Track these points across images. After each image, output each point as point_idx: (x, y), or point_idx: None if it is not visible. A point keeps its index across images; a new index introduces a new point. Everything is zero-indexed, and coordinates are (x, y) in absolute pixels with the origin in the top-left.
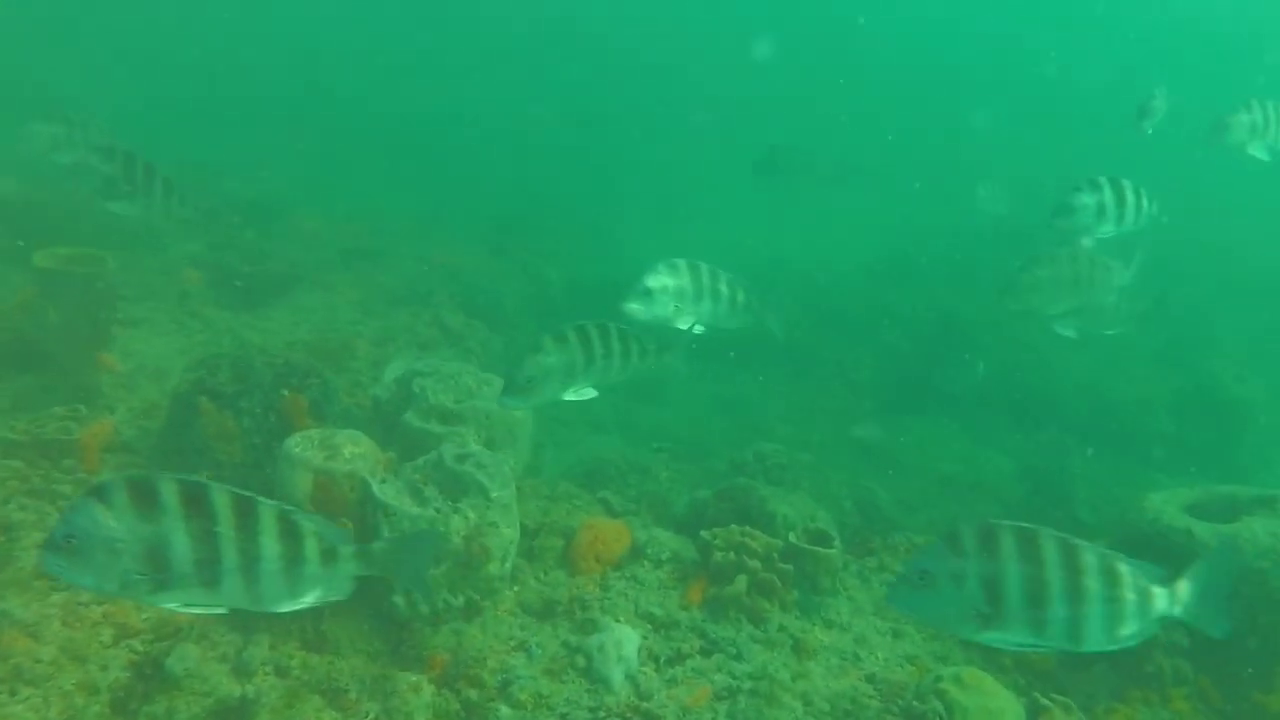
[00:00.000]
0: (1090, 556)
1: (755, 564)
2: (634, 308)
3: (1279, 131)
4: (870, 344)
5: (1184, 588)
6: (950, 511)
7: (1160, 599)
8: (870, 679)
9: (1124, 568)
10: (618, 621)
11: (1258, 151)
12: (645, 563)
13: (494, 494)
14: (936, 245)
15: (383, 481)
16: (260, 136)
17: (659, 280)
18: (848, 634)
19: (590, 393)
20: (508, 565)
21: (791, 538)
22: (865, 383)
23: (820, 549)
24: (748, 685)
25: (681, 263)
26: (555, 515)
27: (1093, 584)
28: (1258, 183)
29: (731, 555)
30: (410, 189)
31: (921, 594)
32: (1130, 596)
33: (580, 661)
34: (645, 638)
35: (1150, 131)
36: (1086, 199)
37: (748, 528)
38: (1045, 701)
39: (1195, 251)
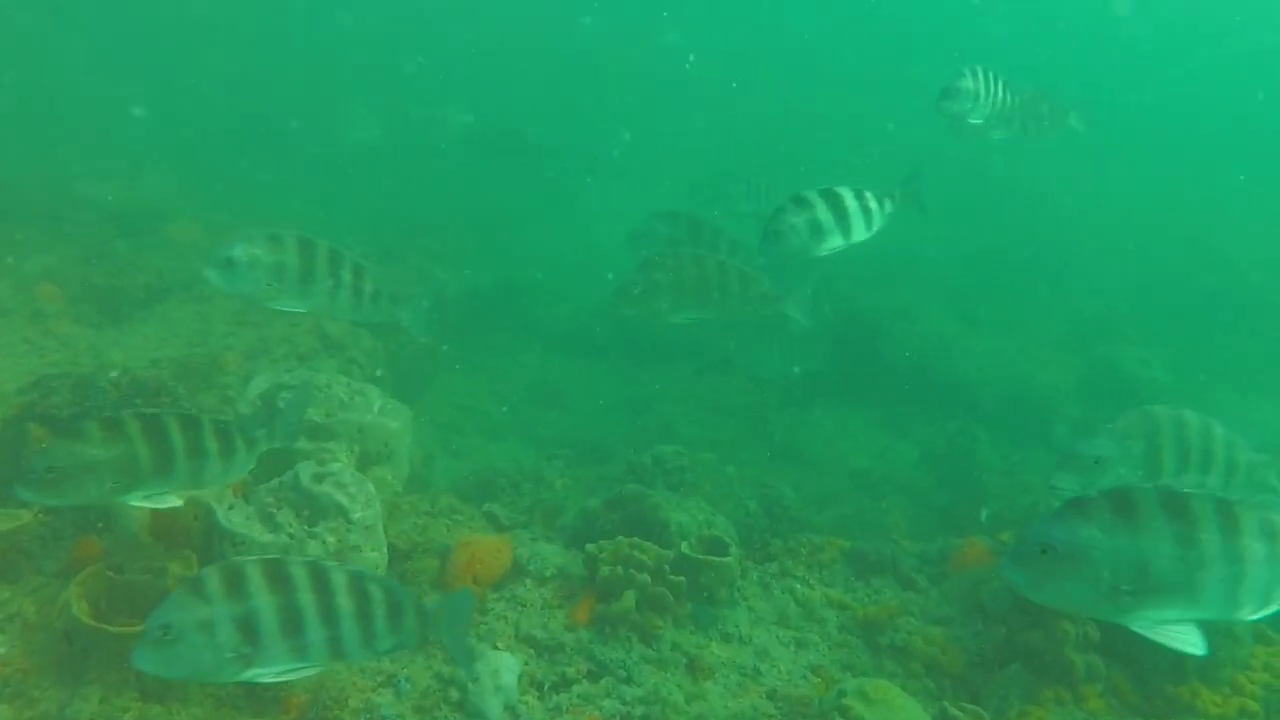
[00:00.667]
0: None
1: (644, 578)
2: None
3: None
4: (776, 337)
5: None
6: (860, 507)
7: None
8: (771, 695)
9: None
10: (495, 648)
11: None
12: (528, 581)
13: (355, 515)
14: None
15: (230, 507)
16: (144, 138)
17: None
18: (747, 647)
19: None
20: None
21: (684, 547)
22: (772, 378)
23: (715, 558)
24: (639, 711)
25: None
26: (433, 534)
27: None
28: (1153, 164)
29: (619, 569)
30: (305, 195)
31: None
32: None
33: (454, 695)
34: (527, 663)
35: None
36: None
37: (636, 539)
38: (955, 711)
39: (1096, 236)
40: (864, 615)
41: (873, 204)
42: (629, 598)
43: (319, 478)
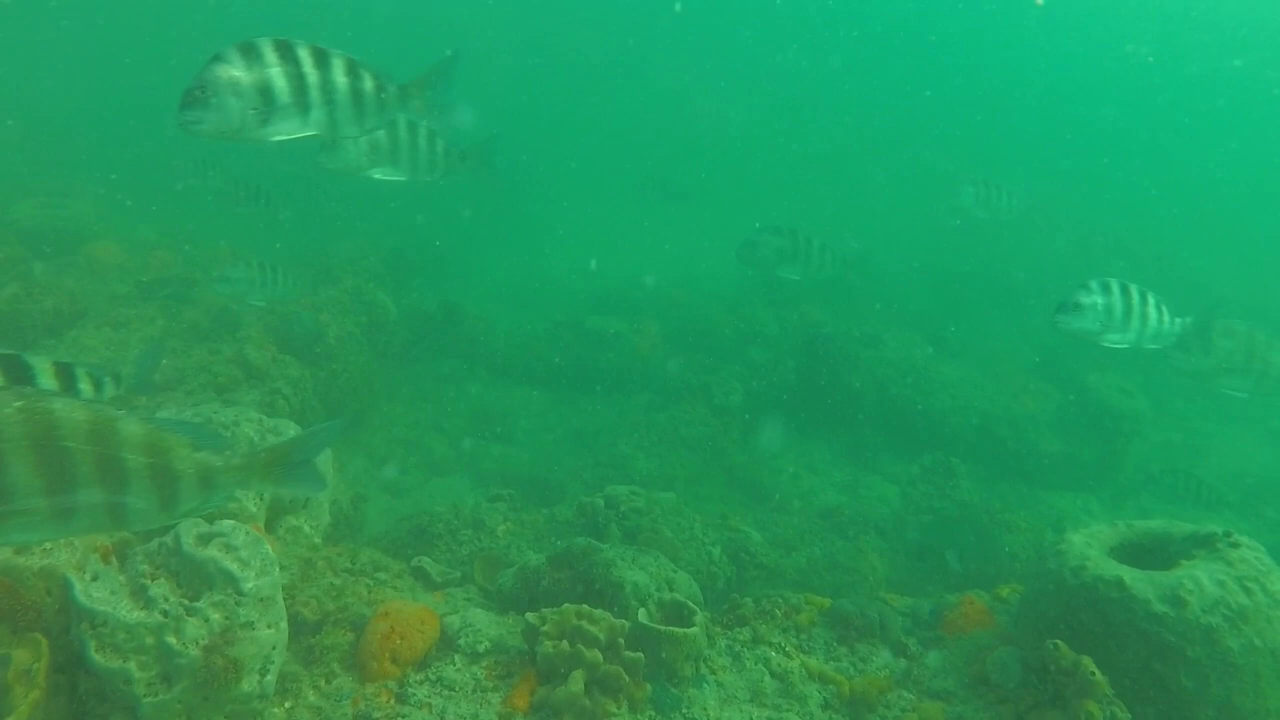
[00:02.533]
0: None
1: (595, 655)
2: None
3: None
4: (739, 365)
5: None
6: (831, 549)
7: None
8: None
9: None
10: None
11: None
12: (457, 658)
13: (248, 585)
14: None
15: (94, 578)
16: (70, 155)
17: None
18: None
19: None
20: (270, 678)
21: (641, 616)
22: (734, 408)
23: (677, 629)
24: None
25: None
26: (351, 598)
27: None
28: (1111, 187)
29: (565, 645)
30: (240, 214)
31: None
32: None
33: None
34: None
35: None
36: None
37: (584, 607)
38: None
39: (1063, 257)
40: (850, 690)
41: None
42: (576, 679)
43: (204, 539)
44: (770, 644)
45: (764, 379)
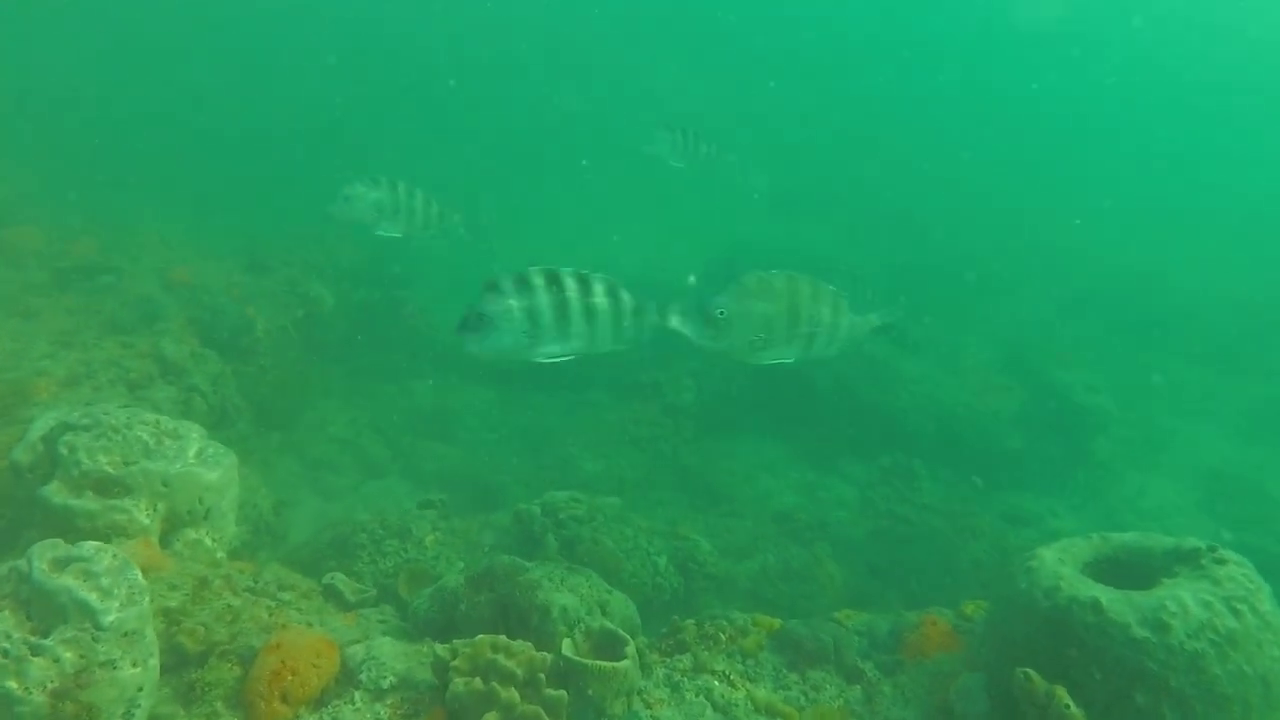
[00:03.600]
0: None
1: (511, 694)
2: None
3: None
4: (694, 361)
5: None
6: (785, 556)
7: None
8: None
9: None
10: None
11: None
12: (358, 696)
13: (109, 617)
14: (766, 245)
15: None
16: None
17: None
18: None
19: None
20: None
21: (566, 648)
22: (687, 406)
23: (606, 664)
24: None
25: None
26: (247, 624)
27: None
28: (1086, 185)
29: (478, 682)
30: (178, 198)
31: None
32: None
33: None
34: None
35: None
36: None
37: (501, 638)
38: None
39: (1030, 258)
40: None
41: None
42: None
43: (60, 563)
44: (713, 672)
45: (720, 375)
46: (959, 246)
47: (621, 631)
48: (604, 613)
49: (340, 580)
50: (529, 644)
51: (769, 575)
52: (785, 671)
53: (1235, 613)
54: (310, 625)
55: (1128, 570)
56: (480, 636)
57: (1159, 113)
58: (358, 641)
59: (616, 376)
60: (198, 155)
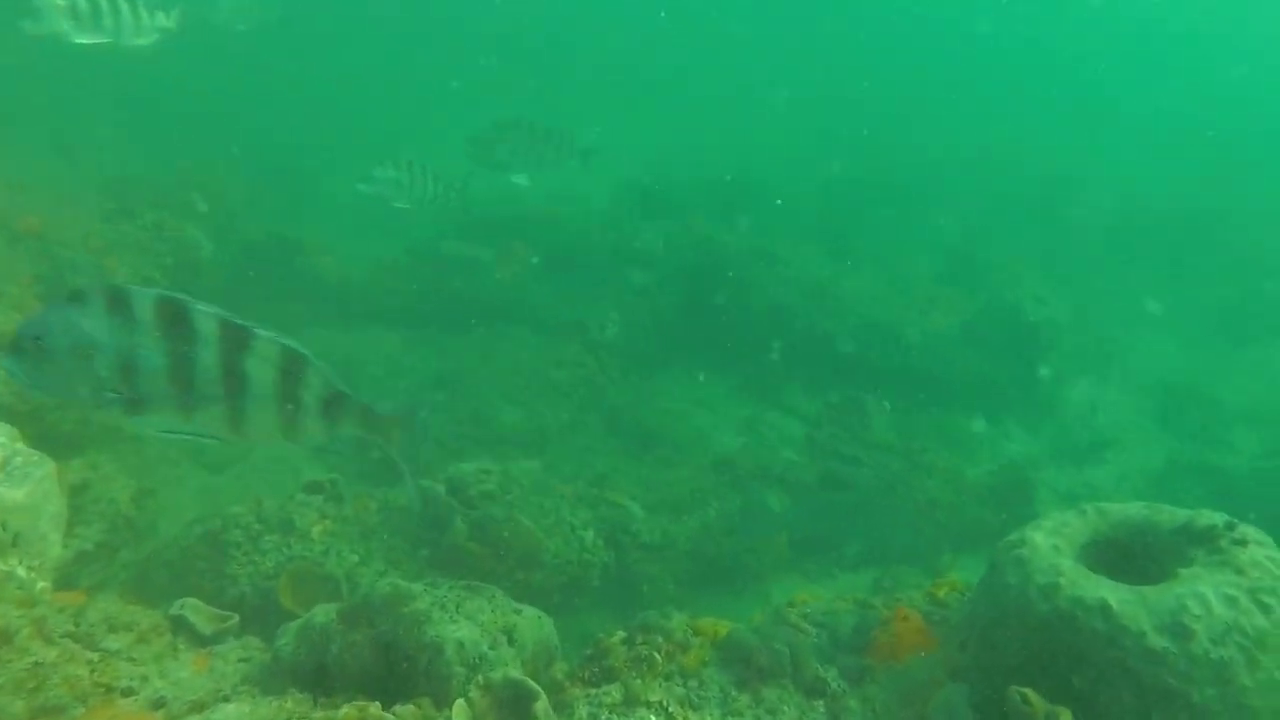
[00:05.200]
0: None
1: None
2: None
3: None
4: (619, 291)
5: None
6: (728, 510)
7: None
8: None
9: None
10: None
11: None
12: None
13: None
14: (696, 167)
15: None
16: None
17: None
18: None
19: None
20: None
21: (458, 713)
22: (612, 342)
23: None
24: None
25: None
26: (53, 690)
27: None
28: (1019, 95)
29: None
30: (35, 132)
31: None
32: None
33: None
34: None
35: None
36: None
37: (372, 707)
38: None
39: (957, 165)
40: None
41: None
42: None
43: None
44: (649, 704)
45: (647, 305)
46: (894, 160)
47: (528, 683)
48: (511, 641)
49: (192, 609)
50: (414, 708)
51: (711, 532)
52: (735, 692)
53: (1264, 608)
54: (145, 681)
55: (1132, 553)
56: (345, 709)
57: (1094, 20)
58: (196, 712)
59: (534, 313)
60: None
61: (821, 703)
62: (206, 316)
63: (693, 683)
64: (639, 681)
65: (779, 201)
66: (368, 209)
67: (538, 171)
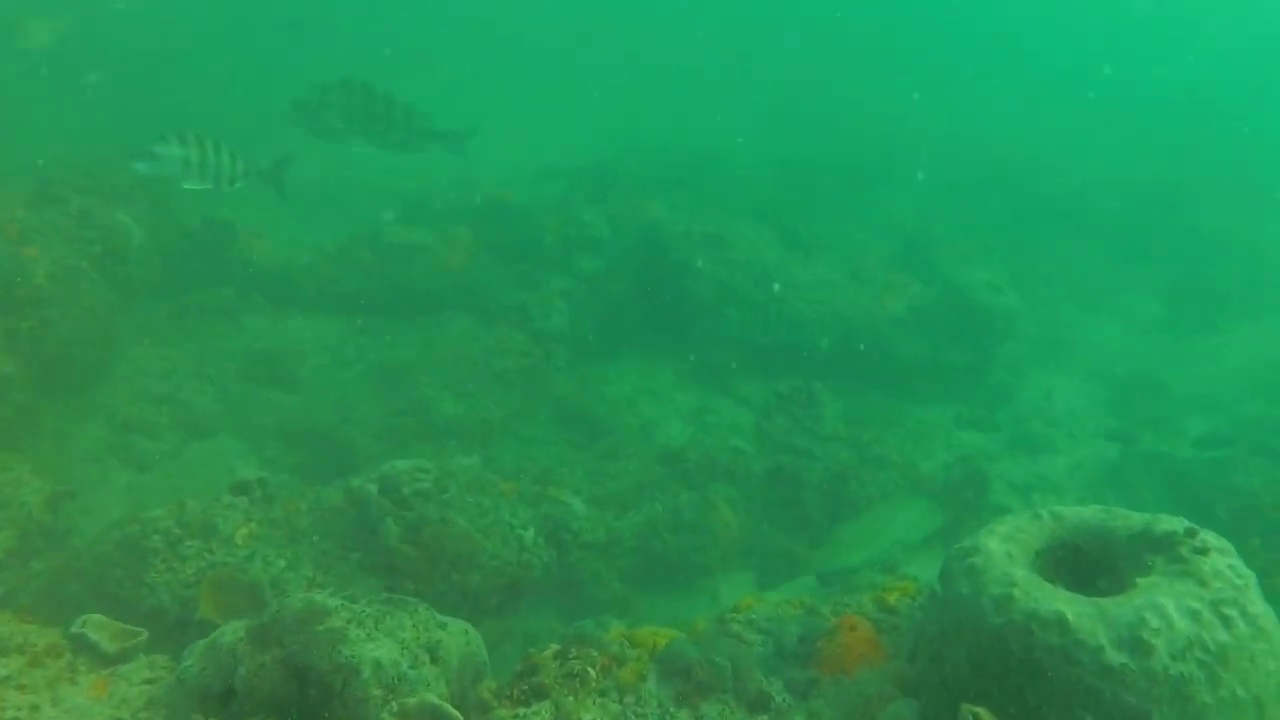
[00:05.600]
0: None
1: None
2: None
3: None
4: (565, 277)
5: None
6: (675, 506)
7: None
8: None
9: None
10: None
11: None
12: None
13: None
14: (647, 150)
15: None
16: None
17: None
18: None
19: None
20: None
21: None
22: (557, 331)
23: None
24: None
25: None
26: None
27: None
28: (973, 77)
29: None
30: None
31: None
32: None
33: None
34: None
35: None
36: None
37: None
38: None
39: (921, 149)
40: None
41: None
42: None
43: None
44: None
45: (594, 292)
46: (853, 141)
47: (446, 709)
48: (434, 658)
49: (95, 626)
50: None
51: (657, 528)
52: (674, 709)
53: (1225, 621)
54: (35, 711)
55: (1089, 559)
56: None
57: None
58: None
59: (479, 301)
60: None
61: (765, 718)
62: None
63: (629, 699)
64: (571, 699)
65: (732, 184)
66: (316, 192)
67: (385, 150)
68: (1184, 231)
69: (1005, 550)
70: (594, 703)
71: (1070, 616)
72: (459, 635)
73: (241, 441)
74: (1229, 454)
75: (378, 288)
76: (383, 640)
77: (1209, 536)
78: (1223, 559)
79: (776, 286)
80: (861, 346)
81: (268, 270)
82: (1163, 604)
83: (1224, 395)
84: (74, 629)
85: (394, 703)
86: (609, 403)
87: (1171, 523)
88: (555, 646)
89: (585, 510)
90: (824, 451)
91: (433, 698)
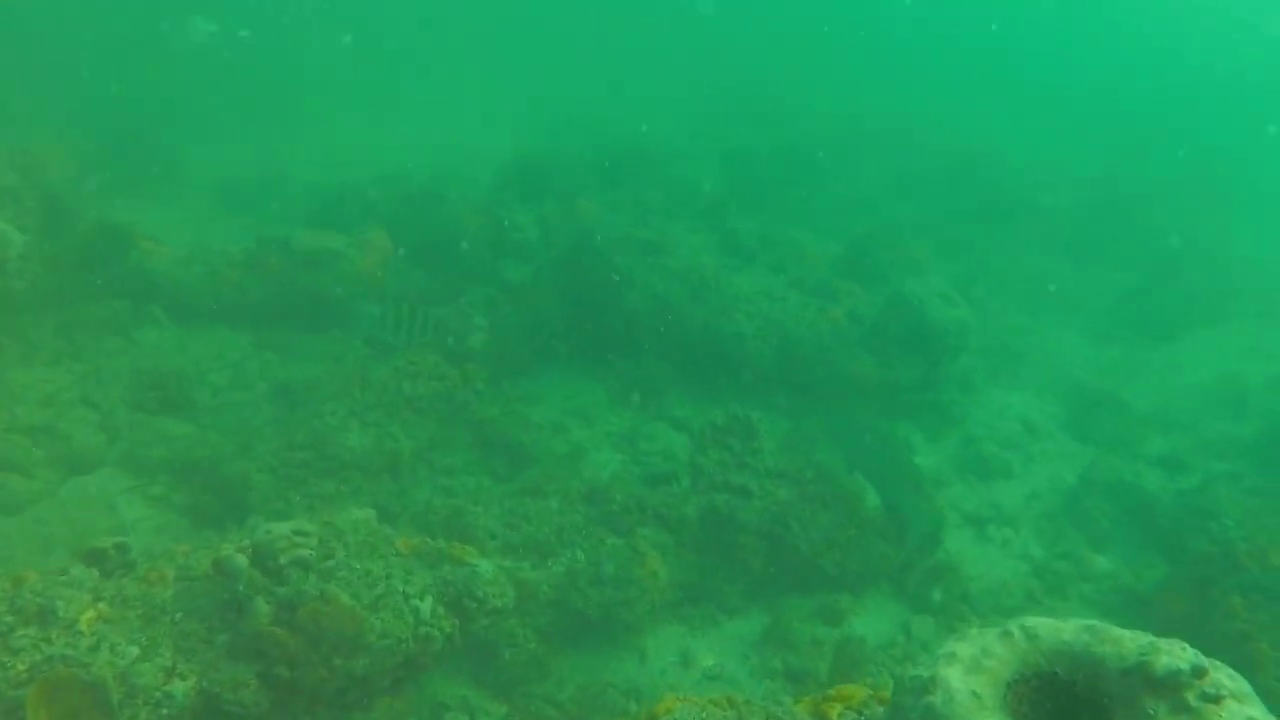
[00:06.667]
0: None
1: None
2: None
3: None
4: (488, 286)
5: None
6: (602, 552)
7: None
8: None
9: None
10: None
11: None
12: None
13: None
14: (584, 141)
15: None
16: None
17: None
18: None
19: None
20: None
21: None
22: (476, 351)
23: None
24: None
25: None
26: None
27: None
28: (921, 70)
29: None
30: None
31: None
32: None
33: None
34: None
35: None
36: None
37: None
38: None
39: (867, 143)
40: None
41: None
42: None
43: None
44: None
45: (519, 303)
46: (798, 133)
47: None
48: None
49: None
50: None
51: (578, 580)
52: None
53: None
54: None
55: (1072, 694)
56: None
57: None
58: None
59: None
60: None
61: None
62: None
63: None
64: None
65: (675, 181)
66: (225, 190)
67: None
68: (1140, 233)
69: (970, 689)
70: None
71: None
72: None
73: (127, 476)
74: (1198, 485)
75: (287, 297)
76: None
77: (1223, 677)
78: (1240, 709)
79: (716, 298)
80: (805, 362)
81: (167, 279)
82: None
83: (1184, 412)
84: None
85: None
86: (534, 427)
87: (1175, 656)
88: None
89: (493, 572)
90: (763, 489)
91: None
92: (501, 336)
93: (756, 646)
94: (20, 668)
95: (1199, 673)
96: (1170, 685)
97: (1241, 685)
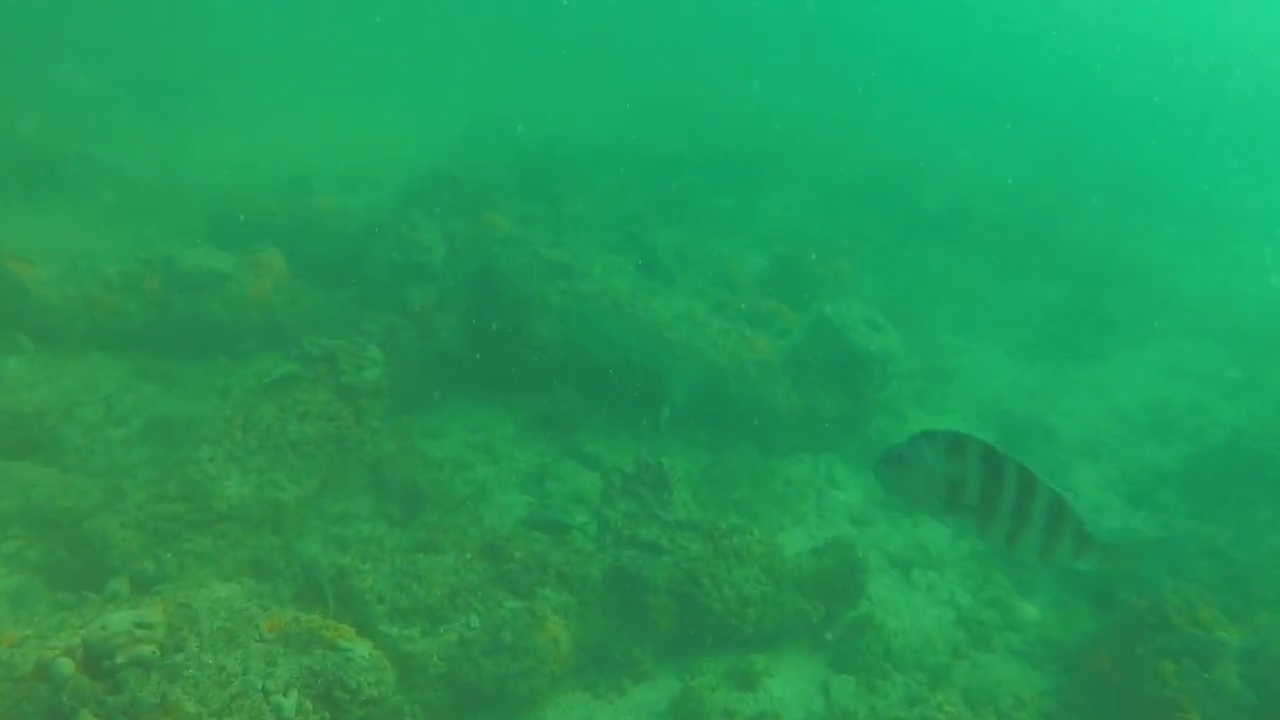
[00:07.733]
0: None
1: None
2: None
3: None
4: (388, 313)
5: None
6: (499, 616)
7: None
8: None
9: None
10: None
11: None
12: None
13: None
14: (504, 145)
15: None
16: None
17: None
18: None
19: None
20: None
21: None
22: (369, 386)
23: None
24: None
25: None
26: None
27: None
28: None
29: None
30: None
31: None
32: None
33: None
34: None
35: None
36: None
37: None
38: None
39: (793, 152)
40: None
41: None
42: None
43: None
44: None
45: (422, 329)
46: (722, 141)
47: None
48: None
49: None
50: None
51: (470, 650)
52: None
53: None
54: None
55: None
56: None
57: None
58: None
59: (282, 340)
60: None
61: None
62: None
63: None
64: None
65: (594, 193)
66: (124, 194)
67: None
68: (1065, 247)
69: None
70: None
71: None
72: None
73: None
74: (1125, 527)
75: (169, 323)
76: None
77: None
78: None
79: (632, 324)
80: (726, 394)
81: (37, 303)
82: None
83: (1112, 437)
84: None
85: None
86: (434, 466)
87: None
88: None
89: (369, 656)
90: (673, 543)
91: None
92: (402, 366)
93: (664, 718)
94: None
95: None
96: None
97: None
